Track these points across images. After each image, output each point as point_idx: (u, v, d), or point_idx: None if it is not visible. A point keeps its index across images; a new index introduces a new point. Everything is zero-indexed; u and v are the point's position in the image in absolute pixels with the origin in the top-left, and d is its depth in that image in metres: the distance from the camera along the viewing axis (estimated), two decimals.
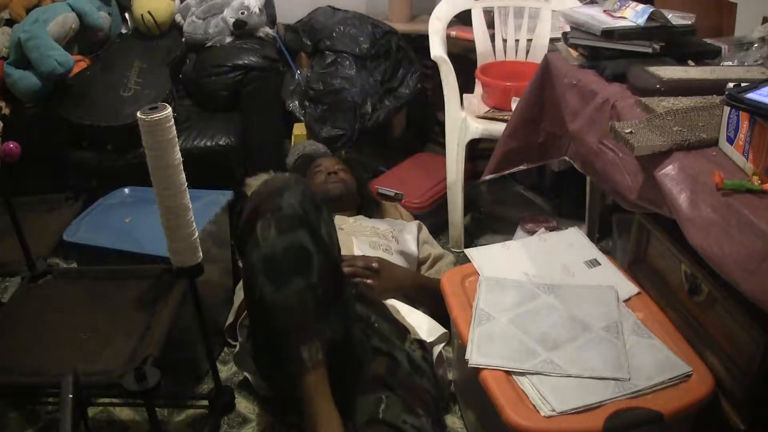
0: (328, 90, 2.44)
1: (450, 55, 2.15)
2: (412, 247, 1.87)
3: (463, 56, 2.40)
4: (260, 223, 1.23)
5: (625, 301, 1.40)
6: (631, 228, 1.51)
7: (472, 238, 2.31)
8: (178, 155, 1.20)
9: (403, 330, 1.51)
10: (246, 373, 1.67)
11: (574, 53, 1.63)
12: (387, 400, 1.28)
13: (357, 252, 1.72)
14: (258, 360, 1.39)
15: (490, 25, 2.34)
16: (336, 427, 1.17)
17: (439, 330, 1.58)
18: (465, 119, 2.11)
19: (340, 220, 1.87)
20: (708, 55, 1.55)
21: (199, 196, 1.71)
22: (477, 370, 1.24)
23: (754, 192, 1.02)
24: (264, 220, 1.23)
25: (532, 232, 1.97)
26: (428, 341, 1.54)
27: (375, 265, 1.65)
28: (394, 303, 1.61)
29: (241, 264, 1.40)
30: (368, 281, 1.62)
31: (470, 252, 1.60)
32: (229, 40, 2.41)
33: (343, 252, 1.69)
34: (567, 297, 1.41)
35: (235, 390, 1.66)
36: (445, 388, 1.60)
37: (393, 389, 1.31)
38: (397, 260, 1.76)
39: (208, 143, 2.18)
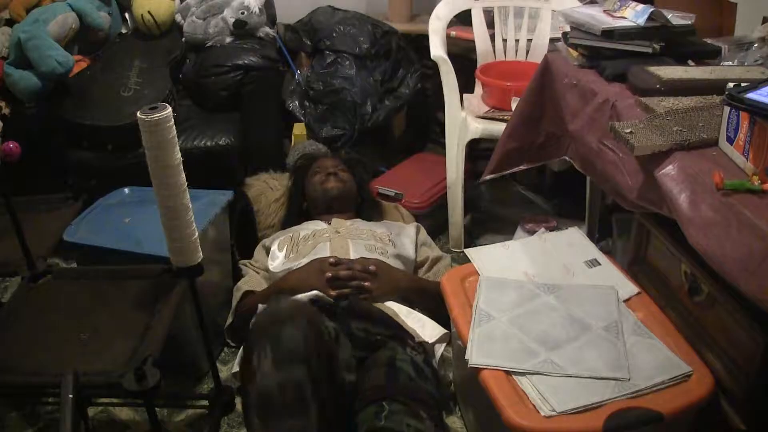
0: (328, 90, 2.44)
1: (450, 55, 2.15)
2: (409, 250, 1.86)
3: (463, 56, 2.39)
4: (256, 354, 1.14)
5: (625, 301, 1.40)
6: (631, 228, 1.51)
7: (472, 238, 2.31)
8: (178, 155, 1.20)
9: (403, 336, 1.51)
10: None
11: (574, 53, 1.63)
12: (389, 406, 1.27)
13: (353, 256, 1.72)
14: None
15: (490, 25, 2.34)
16: None
17: (440, 330, 1.58)
18: (465, 119, 2.11)
19: (337, 223, 1.87)
20: (708, 55, 1.55)
21: (199, 196, 1.71)
22: (477, 370, 1.24)
23: (754, 192, 1.02)
24: (262, 351, 1.13)
25: (532, 232, 1.97)
26: (430, 342, 1.54)
27: (372, 268, 1.65)
28: (392, 305, 1.61)
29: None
30: (366, 284, 1.62)
31: (470, 252, 1.60)
32: (229, 40, 2.41)
33: (339, 256, 1.69)
34: (567, 297, 1.41)
35: (235, 390, 1.66)
36: (446, 389, 1.60)
37: (394, 397, 1.30)
38: (393, 264, 1.75)
39: (208, 143, 2.18)
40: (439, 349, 1.56)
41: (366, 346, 1.46)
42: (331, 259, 1.65)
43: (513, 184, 2.62)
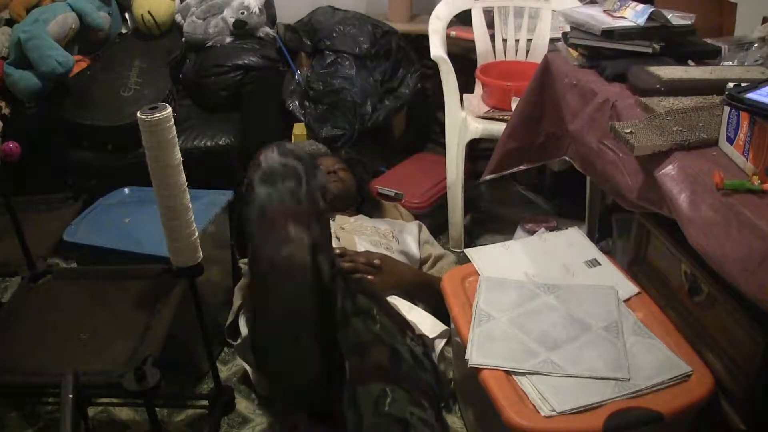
0: (328, 90, 2.43)
1: (450, 55, 2.15)
2: (413, 247, 1.87)
3: (463, 56, 2.39)
4: (264, 153, 1.29)
5: (625, 301, 1.40)
6: (631, 228, 1.51)
7: (472, 238, 2.31)
8: (178, 155, 1.20)
9: (403, 326, 1.51)
10: (247, 367, 1.67)
11: (574, 53, 1.63)
12: (393, 393, 1.27)
13: (360, 249, 1.72)
14: (254, 325, 1.35)
15: (490, 25, 2.34)
16: None
17: (441, 326, 1.58)
18: (465, 119, 2.11)
19: (341, 220, 1.88)
20: (708, 55, 1.55)
21: (199, 196, 1.71)
22: (477, 370, 1.24)
23: (754, 192, 1.02)
24: (269, 149, 1.30)
25: (532, 232, 1.97)
26: (430, 337, 1.54)
27: (377, 261, 1.65)
28: (394, 300, 1.61)
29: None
30: (370, 277, 1.62)
31: (470, 252, 1.60)
32: (229, 40, 2.41)
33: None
34: (567, 297, 1.41)
35: (235, 390, 1.66)
36: (446, 386, 1.60)
37: (397, 383, 1.30)
38: (398, 259, 1.76)
39: (208, 143, 2.18)
40: (439, 345, 1.57)
41: (367, 316, 1.45)
42: (337, 251, 1.65)
43: (513, 184, 2.62)
